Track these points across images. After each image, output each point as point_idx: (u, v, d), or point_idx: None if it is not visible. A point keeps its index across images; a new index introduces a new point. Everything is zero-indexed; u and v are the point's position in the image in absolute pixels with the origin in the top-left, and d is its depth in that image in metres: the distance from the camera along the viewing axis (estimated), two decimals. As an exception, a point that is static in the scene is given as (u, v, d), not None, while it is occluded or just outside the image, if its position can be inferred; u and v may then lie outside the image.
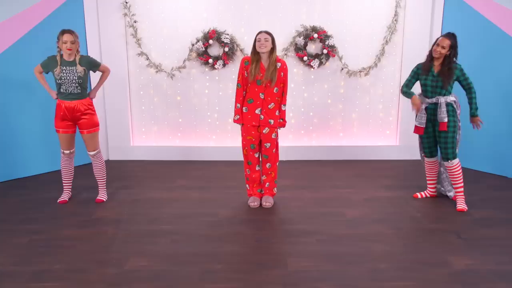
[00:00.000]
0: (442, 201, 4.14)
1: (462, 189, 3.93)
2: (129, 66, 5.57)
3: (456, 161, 3.87)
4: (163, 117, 5.71)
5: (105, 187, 4.21)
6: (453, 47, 3.73)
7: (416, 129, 3.96)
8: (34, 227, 3.55)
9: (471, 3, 5.01)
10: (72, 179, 4.17)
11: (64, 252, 3.12)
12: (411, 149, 5.72)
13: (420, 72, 3.92)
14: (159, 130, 5.76)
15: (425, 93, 3.91)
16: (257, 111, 3.78)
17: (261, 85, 3.74)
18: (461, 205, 3.90)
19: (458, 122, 3.86)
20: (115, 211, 3.92)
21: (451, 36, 3.75)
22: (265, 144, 3.87)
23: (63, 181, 4.14)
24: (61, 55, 3.82)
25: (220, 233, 3.44)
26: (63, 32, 3.76)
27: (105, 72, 4.09)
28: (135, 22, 5.37)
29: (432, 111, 3.88)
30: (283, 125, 3.91)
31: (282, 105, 3.88)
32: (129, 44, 5.48)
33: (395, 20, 5.44)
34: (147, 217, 3.77)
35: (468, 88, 3.81)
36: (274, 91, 3.77)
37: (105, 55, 5.43)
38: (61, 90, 3.83)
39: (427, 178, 4.22)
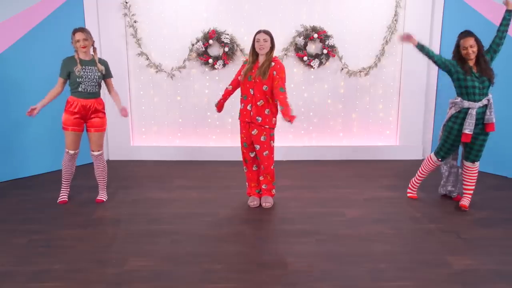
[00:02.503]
0: (442, 201, 4.14)
1: (472, 191, 3.94)
2: (129, 66, 5.57)
3: (478, 163, 3.87)
4: (163, 117, 5.71)
5: (105, 187, 4.21)
6: (478, 40, 3.66)
7: (465, 137, 3.69)
8: (34, 227, 3.55)
9: (471, 3, 5.01)
10: (71, 179, 4.16)
11: (64, 252, 3.12)
12: (411, 149, 5.73)
13: (460, 71, 3.70)
14: (159, 130, 5.76)
15: (472, 96, 3.68)
16: (248, 107, 3.78)
17: (251, 81, 3.73)
18: (466, 201, 3.91)
19: None
20: (115, 211, 3.92)
21: (469, 33, 3.67)
22: (255, 146, 3.86)
23: (63, 181, 4.13)
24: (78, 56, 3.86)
25: (220, 233, 3.44)
26: (75, 31, 3.80)
27: (111, 89, 4.06)
28: (135, 22, 5.37)
29: (480, 115, 3.70)
30: (288, 114, 3.46)
31: (286, 98, 3.62)
32: (129, 44, 5.48)
33: (395, 20, 5.44)
34: (147, 217, 3.77)
35: (497, 38, 3.77)
36: (264, 88, 3.69)
37: (105, 55, 5.41)
38: (79, 89, 3.84)
39: (421, 177, 4.16)
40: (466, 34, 3.69)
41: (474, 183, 3.92)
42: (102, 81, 4.02)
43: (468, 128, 3.68)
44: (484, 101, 3.69)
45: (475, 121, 3.69)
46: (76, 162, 4.13)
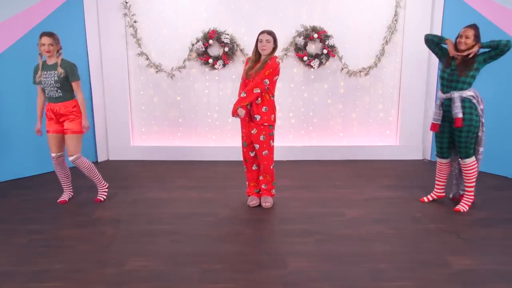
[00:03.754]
0: (442, 201, 4.13)
1: (472, 189, 3.84)
2: (129, 66, 5.57)
3: (469, 160, 3.76)
4: (163, 117, 5.71)
5: (103, 186, 4.19)
6: (478, 37, 3.62)
7: (432, 126, 3.86)
8: (34, 227, 3.55)
9: (471, 3, 5.01)
10: (69, 180, 4.16)
11: (64, 252, 3.12)
12: (411, 149, 5.73)
13: (444, 60, 3.79)
14: (159, 130, 5.76)
15: (441, 87, 3.79)
16: (248, 106, 3.77)
17: (249, 80, 3.75)
18: (461, 206, 3.86)
19: (481, 118, 3.69)
20: (115, 211, 3.92)
21: (474, 26, 3.63)
22: (255, 145, 3.86)
23: (61, 183, 4.14)
24: (44, 61, 3.83)
25: (220, 233, 3.44)
26: (42, 34, 3.76)
27: (76, 94, 3.89)
28: (135, 22, 5.37)
29: (448, 108, 3.73)
30: (234, 109, 3.68)
31: (247, 92, 3.66)
32: (129, 44, 5.48)
33: (395, 20, 5.44)
34: (147, 217, 3.77)
35: (493, 47, 3.56)
36: None
37: (105, 55, 5.43)
38: (46, 95, 3.86)
39: (436, 179, 4.09)
40: (470, 25, 3.66)
41: (470, 181, 3.81)
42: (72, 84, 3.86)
43: (433, 118, 3.85)
44: (449, 95, 3.70)
45: (442, 112, 3.78)
46: (67, 165, 4.11)
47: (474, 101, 3.66)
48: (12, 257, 3.05)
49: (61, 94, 3.82)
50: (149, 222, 3.66)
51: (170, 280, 2.75)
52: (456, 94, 3.65)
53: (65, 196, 4.14)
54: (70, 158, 3.92)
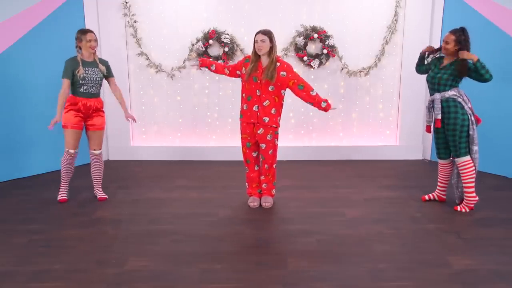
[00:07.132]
0: (442, 202, 4.13)
1: (470, 190, 3.78)
2: (129, 66, 5.57)
3: (461, 159, 3.74)
4: (163, 117, 5.72)
5: (101, 186, 4.23)
6: (459, 42, 3.61)
7: (427, 128, 3.95)
8: (34, 227, 3.55)
9: (471, 3, 5.01)
10: (70, 178, 4.17)
11: (64, 252, 3.12)
12: (411, 149, 5.73)
13: (432, 67, 3.88)
14: (159, 130, 5.76)
15: (428, 90, 3.89)
16: (255, 108, 3.76)
17: (257, 82, 3.71)
18: (463, 207, 3.86)
19: (470, 116, 3.67)
20: (115, 211, 3.92)
21: (457, 31, 3.63)
22: (261, 145, 3.85)
23: (63, 181, 4.12)
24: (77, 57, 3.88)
25: (220, 233, 3.44)
26: (86, 31, 3.83)
27: (114, 89, 4.11)
28: (135, 22, 5.38)
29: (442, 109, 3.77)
30: (324, 106, 3.75)
31: (310, 92, 3.72)
32: (129, 44, 5.49)
33: (395, 20, 5.44)
34: (147, 217, 3.77)
35: (479, 72, 3.57)
36: (270, 89, 3.70)
37: (105, 55, 5.42)
38: (81, 90, 3.87)
39: (438, 180, 4.09)
40: (453, 30, 3.68)
41: (466, 181, 3.76)
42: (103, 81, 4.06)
43: (426, 120, 3.95)
44: (432, 97, 3.79)
45: (432, 114, 3.86)
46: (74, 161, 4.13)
47: (460, 99, 3.67)
48: (12, 257, 3.05)
49: (98, 91, 3.98)
50: (149, 222, 3.66)
51: (170, 280, 2.75)
52: (437, 96, 3.73)
53: (64, 194, 4.13)
54: (97, 152, 4.06)
